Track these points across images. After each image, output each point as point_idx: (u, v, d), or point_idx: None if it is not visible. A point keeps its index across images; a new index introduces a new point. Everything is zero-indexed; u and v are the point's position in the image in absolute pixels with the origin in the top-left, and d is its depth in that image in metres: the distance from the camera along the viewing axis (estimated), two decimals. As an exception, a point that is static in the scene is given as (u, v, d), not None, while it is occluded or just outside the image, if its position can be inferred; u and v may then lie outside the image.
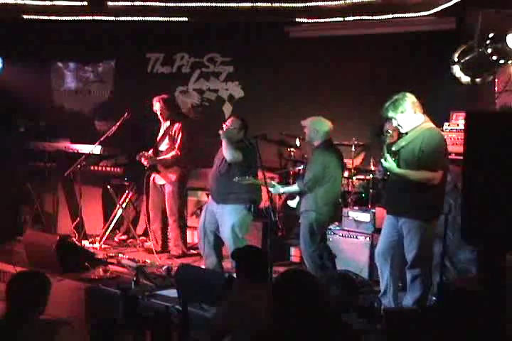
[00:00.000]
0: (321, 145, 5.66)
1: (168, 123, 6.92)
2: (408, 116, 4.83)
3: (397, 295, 5.10)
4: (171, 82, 8.33)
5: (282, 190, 5.78)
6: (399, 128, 4.92)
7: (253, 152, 5.58)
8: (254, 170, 5.82)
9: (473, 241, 3.70)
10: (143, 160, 6.76)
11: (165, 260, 6.70)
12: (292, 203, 5.90)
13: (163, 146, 6.90)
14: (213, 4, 7.14)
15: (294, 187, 5.73)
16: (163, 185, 6.93)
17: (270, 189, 5.53)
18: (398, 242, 4.98)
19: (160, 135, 6.98)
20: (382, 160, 4.80)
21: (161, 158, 6.82)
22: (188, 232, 7.25)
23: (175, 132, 6.82)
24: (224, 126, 5.93)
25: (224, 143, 5.81)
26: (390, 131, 4.94)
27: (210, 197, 6.21)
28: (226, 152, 5.79)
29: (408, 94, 4.86)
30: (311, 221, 5.57)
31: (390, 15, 6.69)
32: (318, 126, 5.66)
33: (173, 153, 6.80)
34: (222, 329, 3.83)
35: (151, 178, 6.96)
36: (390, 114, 4.86)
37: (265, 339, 2.93)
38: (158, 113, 6.88)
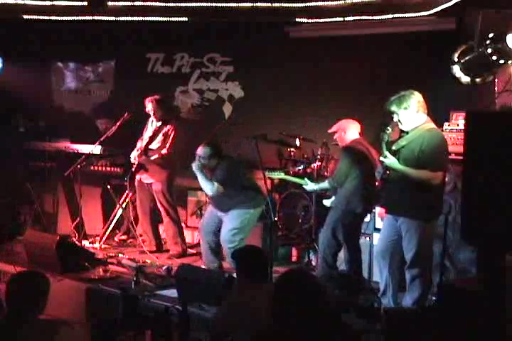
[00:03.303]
0: (349, 144, 5.76)
1: (159, 123, 6.91)
2: (410, 114, 4.82)
3: (396, 294, 5.09)
4: (171, 82, 8.33)
5: (316, 186, 5.92)
6: (398, 124, 4.91)
7: (234, 166, 5.72)
8: (242, 180, 5.89)
9: (473, 241, 3.70)
10: (136, 158, 6.77)
11: (165, 260, 6.69)
12: (327, 202, 5.93)
13: (154, 145, 6.88)
14: (213, 4, 7.15)
15: (325, 184, 5.82)
16: (151, 183, 6.92)
17: (304, 186, 5.90)
18: (397, 242, 4.98)
19: (149, 134, 6.94)
20: (382, 158, 4.80)
21: (154, 157, 6.81)
22: (188, 232, 7.24)
23: (168, 132, 6.82)
24: (196, 156, 5.88)
25: (198, 177, 5.80)
26: (389, 127, 4.88)
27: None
28: (203, 187, 5.84)
29: (415, 93, 4.85)
30: (338, 216, 5.65)
31: (390, 15, 6.69)
32: (345, 128, 5.80)
33: (164, 151, 6.80)
34: (223, 329, 3.82)
35: (137, 179, 6.94)
36: (393, 108, 4.84)
37: (265, 339, 2.93)
38: (152, 113, 6.89)
